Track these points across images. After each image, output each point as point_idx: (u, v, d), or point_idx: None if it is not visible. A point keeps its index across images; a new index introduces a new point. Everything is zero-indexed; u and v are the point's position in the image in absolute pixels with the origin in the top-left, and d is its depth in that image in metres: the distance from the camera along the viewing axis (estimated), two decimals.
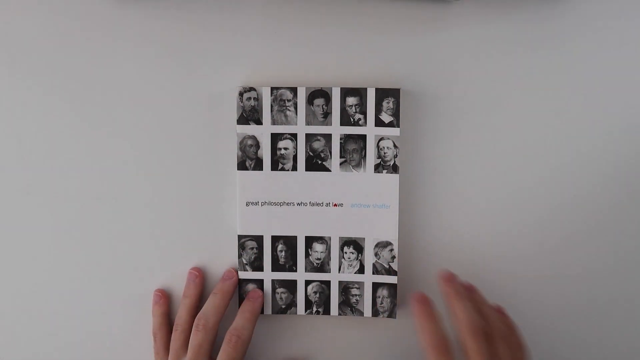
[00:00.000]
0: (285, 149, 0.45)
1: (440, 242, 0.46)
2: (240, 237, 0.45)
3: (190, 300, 0.46)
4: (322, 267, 0.46)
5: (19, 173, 0.46)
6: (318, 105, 0.45)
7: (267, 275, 0.46)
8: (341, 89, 0.44)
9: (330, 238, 0.45)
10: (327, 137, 0.45)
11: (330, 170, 0.45)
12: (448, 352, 0.38)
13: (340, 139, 0.45)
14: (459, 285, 0.43)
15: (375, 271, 0.45)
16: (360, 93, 0.44)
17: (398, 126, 0.44)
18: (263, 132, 0.45)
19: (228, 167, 0.46)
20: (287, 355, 0.48)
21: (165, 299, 0.47)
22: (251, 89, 0.44)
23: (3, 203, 0.47)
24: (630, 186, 0.45)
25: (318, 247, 0.46)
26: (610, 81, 0.45)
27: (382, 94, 0.44)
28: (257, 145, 0.45)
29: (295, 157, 0.45)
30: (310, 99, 0.45)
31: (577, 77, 0.45)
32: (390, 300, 0.45)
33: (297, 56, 0.45)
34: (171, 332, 0.45)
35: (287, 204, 0.45)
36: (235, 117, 0.45)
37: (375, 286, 0.45)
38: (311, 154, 0.45)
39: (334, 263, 0.46)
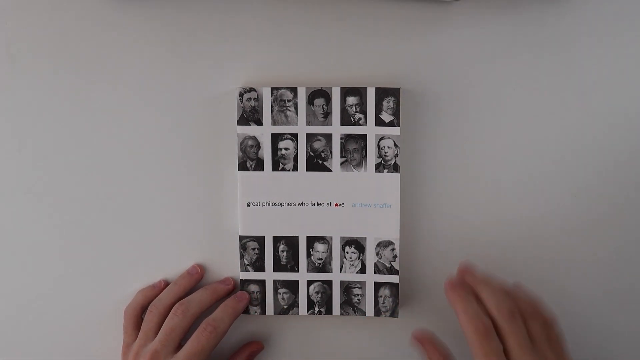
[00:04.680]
0: (286, 149, 0.45)
1: (442, 240, 0.46)
2: (241, 237, 0.45)
3: (178, 288, 0.45)
4: (324, 267, 0.46)
5: (19, 172, 0.46)
6: (318, 105, 0.45)
7: (269, 275, 0.46)
8: (341, 88, 0.44)
9: (331, 238, 0.45)
10: (328, 137, 0.45)
11: (331, 170, 0.45)
12: (492, 336, 0.37)
13: (341, 138, 0.45)
14: (479, 273, 0.42)
15: (377, 271, 0.45)
16: (360, 93, 0.44)
17: (398, 125, 0.44)
18: (263, 133, 0.45)
19: (229, 167, 0.46)
20: (288, 356, 0.47)
21: (162, 289, 0.46)
22: (251, 89, 0.44)
23: (3, 202, 0.46)
24: (630, 185, 0.46)
25: (319, 247, 0.46)
26: (610, 81, 0.45)
27: (383, 93, 0.44)
28: (258, 145, 0.45)
29: (296, 157, 0.45)
30: (310, 99, 0.45)
31: (578, 77, 0.45)
32: (392, 299, 0.45)
33: (297, 56, 0.45)
34: (141, 315, 0.45)
35: (288, 204, 0.45)
36: (235, 117, 0.45)
37: (377, 286, 0.45)
38: (312, 154, 0.45)
39: (335, 263, 0.46)
